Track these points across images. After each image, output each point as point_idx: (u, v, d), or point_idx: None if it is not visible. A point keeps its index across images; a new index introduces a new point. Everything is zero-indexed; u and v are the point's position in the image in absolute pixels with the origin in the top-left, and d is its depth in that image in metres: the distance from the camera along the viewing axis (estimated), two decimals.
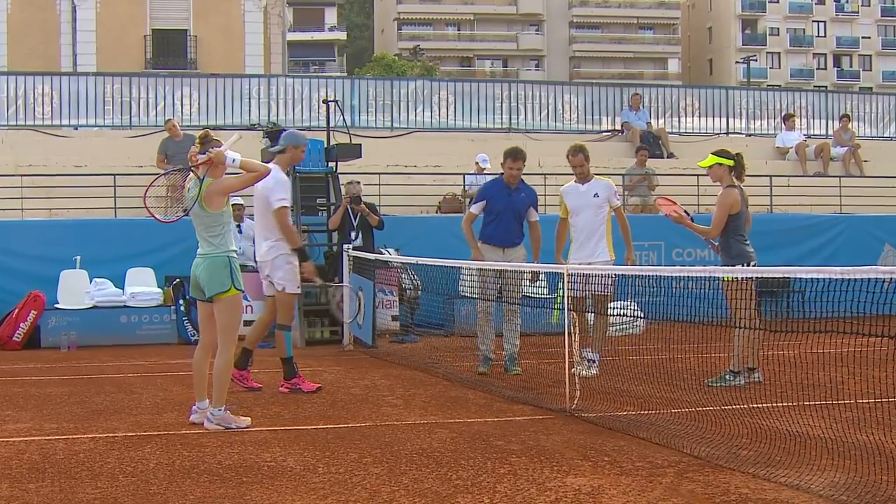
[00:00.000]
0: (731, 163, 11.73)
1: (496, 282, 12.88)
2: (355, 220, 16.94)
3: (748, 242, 11.69)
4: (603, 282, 11.90)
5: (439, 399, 10.96)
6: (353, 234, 16.72)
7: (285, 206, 11.46)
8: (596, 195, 12.76)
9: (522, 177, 13.21)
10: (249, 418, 9.51)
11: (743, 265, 11.29)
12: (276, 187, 11.35)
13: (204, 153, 9.34)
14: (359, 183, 17.45)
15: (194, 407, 9.65)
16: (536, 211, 13.22)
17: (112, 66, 38.66)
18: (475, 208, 13.17)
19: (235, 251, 9.66)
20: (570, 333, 10.15)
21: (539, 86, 28.27)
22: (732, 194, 11.57)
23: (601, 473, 7.30)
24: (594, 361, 12.33)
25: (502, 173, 13.15)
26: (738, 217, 11.56)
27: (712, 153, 11.97)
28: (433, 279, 15.77)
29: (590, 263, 12.23)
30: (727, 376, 11.37)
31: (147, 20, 47.59)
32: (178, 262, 17.72)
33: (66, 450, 8.40)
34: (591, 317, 12.52)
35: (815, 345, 7.93)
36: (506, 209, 12.97)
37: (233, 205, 18.78)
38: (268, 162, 11.87)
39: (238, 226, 18.66)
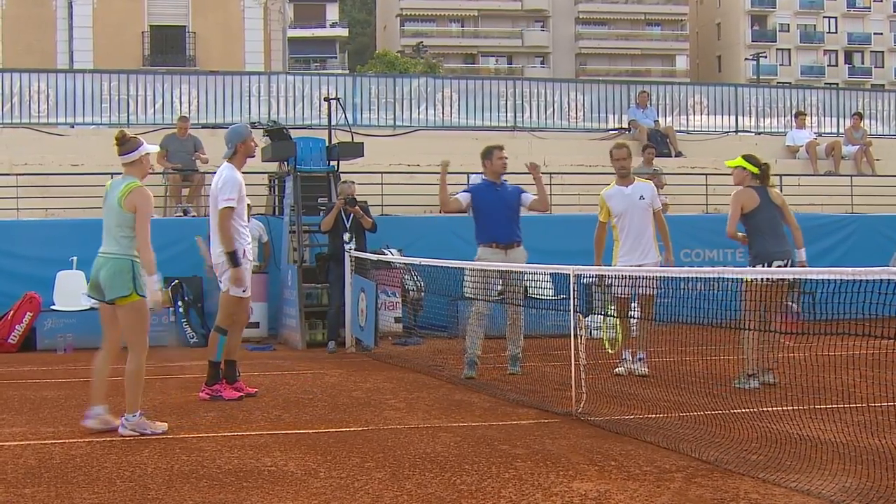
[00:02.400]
0: (755, 170, 11.88)
1: (496, 283, 12.87)
2: (348, 221, 16.58)
3: (775, 241, 11.75)
4: (650, 283, 11.92)
5: (443, 402, 10.92)
6: (346, 237, 16.42)
7: (230, 208, 11.14)
8: (641, 197, 12.94)
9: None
10: (166, 424, 9.38)
11: (764, 265, 11.41)
12: (225, 187, 11.13)
13: (126, 154, 9.35)
14: (353, 183, 17.22)
15: (88, 412, 9.40)
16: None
17: (109, 62, 38.75)
18: (461, 196, 13.17)
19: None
20: (576, 336, 10.06)
21: (544, 83, 28.36)
22: (743, 193, 11.76)
23: (608, 478, 7.24)
24: (643, 359, 12.60)
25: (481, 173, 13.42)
26: (753, 216, 11.65)
27: (742, 156, 12.19)
28: (437, 280, 15.68)
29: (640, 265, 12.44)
30: (742, 377, 11.36)
31: (145, 16, 47.76)
32: (177, 264, 17.69)
33: (62, 454, 8.36)
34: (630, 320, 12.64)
35: (826, 347, 7.86)
36: (496, 205, 13.02)
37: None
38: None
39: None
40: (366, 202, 17.31)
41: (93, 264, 9.39)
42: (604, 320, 12.89)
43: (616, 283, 12.28)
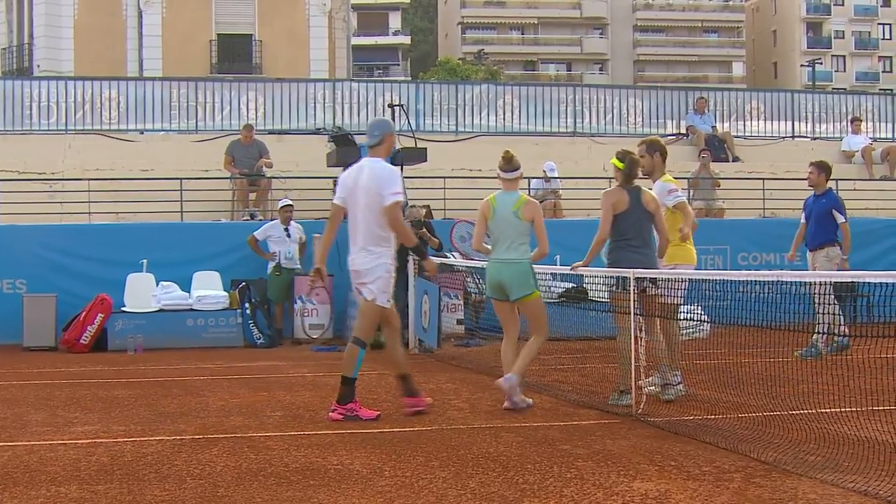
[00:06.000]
0: (621, 166, 11.05)
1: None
2: None
3: (637, 247, 10.90)
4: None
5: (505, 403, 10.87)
6: (409, 258, 16.29)
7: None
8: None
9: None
10: (531, 400, 10.53)
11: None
12: None
13: (510, 171, 10.79)
14: (421, 209, 17.22)
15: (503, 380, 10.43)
16: (840, 213, 15.06)
17: (178, 70, 39.05)
18: None
19: None
20: (636, 338, 10.10)
21: (603, 89, 28.40)
22: (611, 194, 11.02)
23: (668, 478, 7.29)
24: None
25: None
26: (621, 219, 10.89)
27: (616, 155, 11.36)
28: None
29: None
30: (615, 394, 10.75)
31: (212, 25, 47.96)
32: (244, 266, 17.95)
33: (133, 452, 8.47)
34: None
35: (883, 349, 7.86)
36: (810, 214, 15.35)
37: (281, 207, 18.86)
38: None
39: (285, 228, 18.61)
40: (431, 221, 17.37)
41: (488, 269, 10.86)
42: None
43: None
